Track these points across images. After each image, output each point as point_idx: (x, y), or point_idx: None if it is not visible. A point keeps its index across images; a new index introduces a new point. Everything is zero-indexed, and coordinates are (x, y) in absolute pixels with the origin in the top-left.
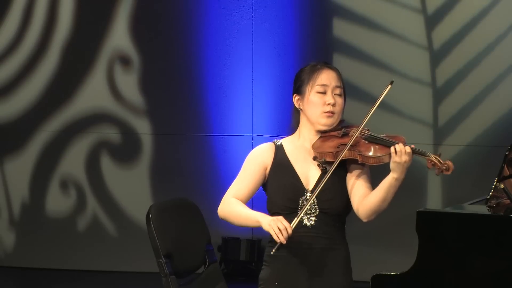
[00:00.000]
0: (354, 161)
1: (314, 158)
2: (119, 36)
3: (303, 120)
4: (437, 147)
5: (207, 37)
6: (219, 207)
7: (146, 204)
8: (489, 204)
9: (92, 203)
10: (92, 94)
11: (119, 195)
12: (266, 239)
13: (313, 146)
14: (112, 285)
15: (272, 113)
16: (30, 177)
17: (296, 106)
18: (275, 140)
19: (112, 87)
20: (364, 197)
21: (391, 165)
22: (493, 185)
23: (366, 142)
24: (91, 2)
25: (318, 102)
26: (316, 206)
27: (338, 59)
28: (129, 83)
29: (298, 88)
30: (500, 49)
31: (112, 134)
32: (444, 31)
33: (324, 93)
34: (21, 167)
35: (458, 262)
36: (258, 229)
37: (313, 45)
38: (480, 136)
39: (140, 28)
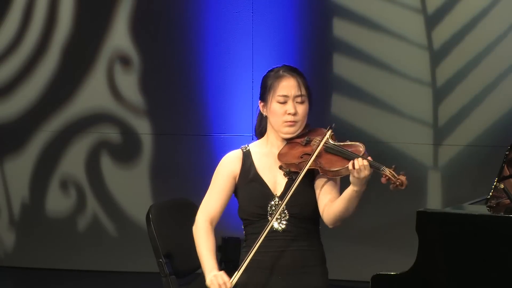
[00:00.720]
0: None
1: (280, 167)
2: (119, 36)
3: (269, 126)
4: (437, 147)
5: (207, 37)
6: (194, 226)
7: (146, 204)
8: (489, 204)
9: (92, 203)
10: (92, 94)
11: (119, 195)
12: None
13: (279, 155)
14: (112, 285)
15: None
16: (30, 177)
17: (262, 112)
18: (244, 146)
19: (112, 87)
20: (329, 204)
21: (351, 179)
22: (493, 185)
23: (327, 153)
24: (91, 2)
25: (279, 111)
26: (286, 212)
27: (338, 59)
28: (129, 83)
29: (262, 95)
30: (500, 49)
31: (112, 134)
32: (444, 31)
33: (285, 102)
34: (21, 167)
35: (458, 262)
36: None
37: (313, 45)
38: (480, 136)
39: (140, 28)
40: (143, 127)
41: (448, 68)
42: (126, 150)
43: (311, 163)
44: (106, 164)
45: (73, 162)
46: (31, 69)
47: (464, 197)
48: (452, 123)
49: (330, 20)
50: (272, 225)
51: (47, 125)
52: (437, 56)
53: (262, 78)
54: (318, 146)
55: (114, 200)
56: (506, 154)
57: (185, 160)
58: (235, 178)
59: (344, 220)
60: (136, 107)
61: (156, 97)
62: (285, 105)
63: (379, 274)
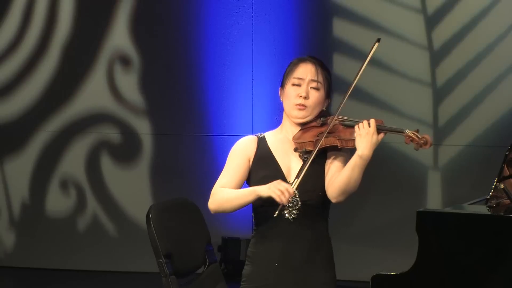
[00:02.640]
0: (334, 149)
1: (295, 150)
2: (119, 36)
3: (284, 113)
4: (437, 147)
5: (207, 37)
6: (210, 201)
7: (146, 204)
8: (489, 204)
9: (92, 203)
10: (92, 94)
11: (119, 195)
12: None
13: (294, 138)
14: (112, 285)
15: (272, 113)
16: (30, 177)
17: (281, 99)
18: (259, 133)
19: (112, 87)
20: (335, 175)
21: (356, 142)
22: (493, 185)
23: (344, 127)
24: (91, 2)
25: (292, 94)
26: (298, 198)
27: (338, 59)
28: (129, 83)
29: (282, 81)
30: (500, 49)
31: (112, 134)
32: (444, 31)
33: (299, 85)
34: (21, 167)
35: (458, 262)
36: None
37: (313, 45)
38: (480, 136)
39: (140, 28)
40: (143, 127)
41: (448, 68)
42: (126, 150)
43: (327, 138)
44: (106, 164)
45: (73, 162)
46: (31, 69)
47: (464, 197)
48: (452, 123)
49: (330, 20)
50: (283, 214)
51: (47, 125)
52: (437, 56)
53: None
54: (333, 119)
55: (114, 200)
56: (506, 154)
57: (185, 160)
58: (249, 161)
59: (347, 193)
60: (136, 107)
61: (156, 97)
62: (299, 88)
63: (379, 274)
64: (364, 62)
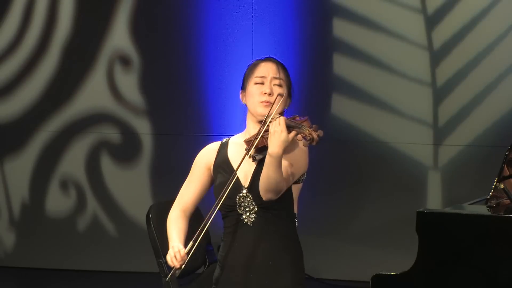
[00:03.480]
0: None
1: (246, 150)
2: (119, 36)
3: (248, 115)
4: (437, 147)
5: (207, 37)
6: (169, 215)
7: (146, 204)
8: (489, 204)
9: (92, 203)
10: (92, 94)
11: (119, 195)
12: None
13: (245, 140)
14: (112, 285)
15: None
16: (30, 177)
17: (242, 102)
18: (226, 138)
19: (112, 87)
20: None
21: (268, 140)
22: (493, 185)
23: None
24: (91, 2)
25: (256, 92)
26: (253, 202)
27: (338, 59)
28: (129, 83)
29: (242, 84)
30: (500, 49)
31: (112, 134)
32: (444, 31)
33: (262, 83)
34: (21, 167)
35: (458, 262)
36: None
37: (313, 45)
38: (480, 136)
39: (140, 28)
40: (143, 127)
41: (448, 68)
42: (126, 150)
43: (262, 138)
44: (106, 164)
45: (73, 162)
46: (31, 69)
47: (464, 197)
48: (452, 123)
49: (330, 20)
50: (242, 219)
51: (47, 125)
52: (437, 56)
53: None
54: (269, 118)
55: (114, 200)
56: (506, 154)
57: (185, 160)
58: (209, 170)
59: (273, 191)
60: (136, 107)
61: (156, 97)
62: (262, 86)
63: (379, 274)
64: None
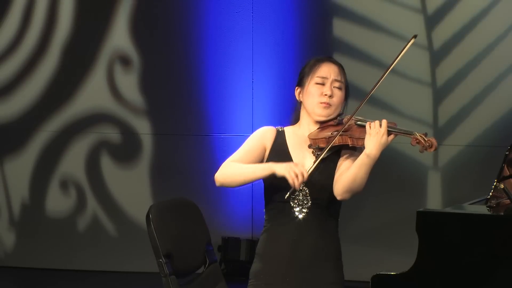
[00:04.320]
0: (347, 148)
1: (309, 146)
2: (119, 36)
3: (303, 112)
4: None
5: (207, 37)
6: (218, 172)
7: (146, 204)
8: (489, 204)
9: (92, 203)
10: (92, 94)
11: (119, 195)
12: None
13: (309, 135)
14: (112, 285)
15: (272, 113)
16: (30, 177)
17: (297, 98)
18: (279, 127)
19: (112, 87)
20: (343, 173)
21: (365, 140)
22: (493, 185)
23: (358, 127)
24: (91, 2)
25: (316, 92)
26: (309, 197)
27: (338, 59)
28: (129, 83)
29: (300, 80)
30: (500, 49)
31: (112, 134)
32: (444, 31)
33: (323, 84)
34: (21, 167)
35: (458, 262)
36: (258, 229)
37: (313, 45)
38: (480, 136)
39: (140, 28)
40: (143, 127)
41: (448, 68)
42: (126, 150)
43: (340, 136)
44: (106, 164)
45: (73, 162)
46: (31, 69)
47: (464, 197)
48: (452, 123)
49: (330, 20)
50: (294, 212)
51: (47, 125)
52: (437, 56)
53: (302, 68)
54: (350, 119)
55: (114, 200)
56: (506, 154)
57: (185, 160)
58: (265, 149)
59: (352, 192)
60: (136, 107)
61: (156, 97)
62: (323, 87)
63: (379, 274)
64: (397, 58)
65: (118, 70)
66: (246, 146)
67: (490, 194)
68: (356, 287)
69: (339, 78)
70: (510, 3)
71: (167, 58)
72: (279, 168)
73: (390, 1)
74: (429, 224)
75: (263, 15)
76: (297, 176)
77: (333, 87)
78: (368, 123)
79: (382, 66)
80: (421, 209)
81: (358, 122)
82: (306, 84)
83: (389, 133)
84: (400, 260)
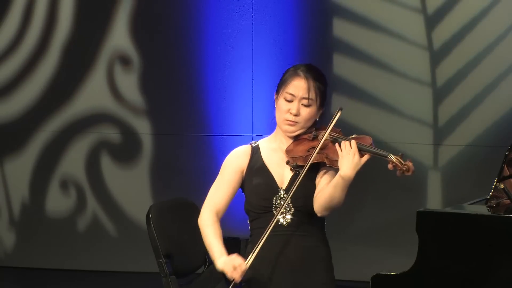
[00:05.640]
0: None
1: (287, 162)
2: (119, 36)
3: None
4: (437, 147)
5: (207, 37)
6: (199, 216)
7: (146, 204)
8: (489, 204)
9: (92, 203)
10: (92, 94)
11: (119, 195)
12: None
13: (286, 150)
14: (112, 285)
15: (272, 113)
16: (30, 177)
17: (275, 105)
18: (253, 142)
19: (112, 87)
20: (322, 190)
21: (338, 161)
22: (493, 185)
23: (334, 145)
24: (91, 2)
25: (283, 108)
26: (291, 205)
27: (338, 59)
28: (129, 83)
29: (277, 88)
30: (500, 49)
31: (112, 134)
32: (444, 31)
33: (291, 101)
34: (21, 167)
35: (458, 262)
36: None
37: (313, 45)
38: (480, 136)
39: (140, 28)
40: (143, 127)
41: (448, 68)
42: (126, 150)
43: (317, 154)
44: (106, 164)
45: (73, 162)
46: (31, 69)
47: (464, 197)
48: (452, 123)
49: (330, 20)
50: (278, 219)
51: (47, 125)
52: (437, 56)
53: (284, 72)
54: (325, 135)
55: (114, 200)
56: (506, 154)
57: (185, 160)
58: (242, 172)
59: (331, 210)
60: (136, 107)
61: (156, 97)
62: (290, 104)
63: (379, 274)
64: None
65: (118, 70)
66: (221, 180)
67: (490, 194)
68: (356, 287)
69: (306, 96)
70: (510, 3)
71: (167, 58)
72: (219, 263)
73: (390, 1)
74: (429, 224)
75: (263, 15)
76: (235, 269)
77: (301, 104)
78: (342, 142)
79: (382, 66)
80: (421, 209)
81: (334, 138)
82: (279, 95)
83: (361, 153)
84: (400, 260)
